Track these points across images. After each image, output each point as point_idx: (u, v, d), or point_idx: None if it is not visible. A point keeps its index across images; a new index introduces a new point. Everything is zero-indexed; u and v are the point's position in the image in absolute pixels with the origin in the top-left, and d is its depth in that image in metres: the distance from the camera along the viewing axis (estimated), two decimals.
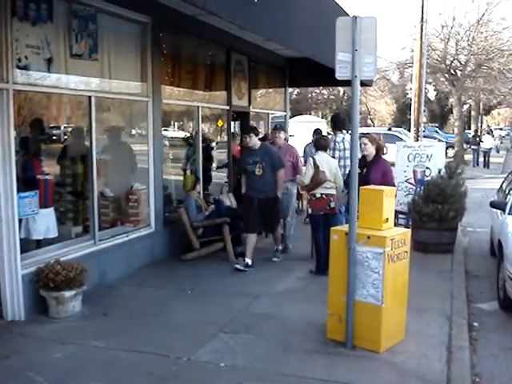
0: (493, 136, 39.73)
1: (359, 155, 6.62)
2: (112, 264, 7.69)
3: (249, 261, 8.45)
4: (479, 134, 35.19)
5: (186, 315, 6.51)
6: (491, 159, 31.23)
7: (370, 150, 7.79)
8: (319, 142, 8.50)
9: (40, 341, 5.74)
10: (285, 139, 10.35)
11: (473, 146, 32.83)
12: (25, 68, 6.36)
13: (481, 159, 31.43)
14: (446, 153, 26.64)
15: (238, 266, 8.37)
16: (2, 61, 5.99)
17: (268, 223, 8.97)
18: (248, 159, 8.77)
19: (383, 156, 8.09)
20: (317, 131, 12.47)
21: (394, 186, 7.50)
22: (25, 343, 5.70)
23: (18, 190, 6.27)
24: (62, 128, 8.13)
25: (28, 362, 5.24)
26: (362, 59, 5.33)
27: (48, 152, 7.52)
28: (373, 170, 7.57)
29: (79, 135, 7.97)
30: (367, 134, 9.08)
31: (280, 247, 9.21)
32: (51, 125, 7.94)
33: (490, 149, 32.07)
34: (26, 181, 6.74)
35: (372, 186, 6.12)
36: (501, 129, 65.00)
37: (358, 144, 5.65)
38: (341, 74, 5.43)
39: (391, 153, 13.02)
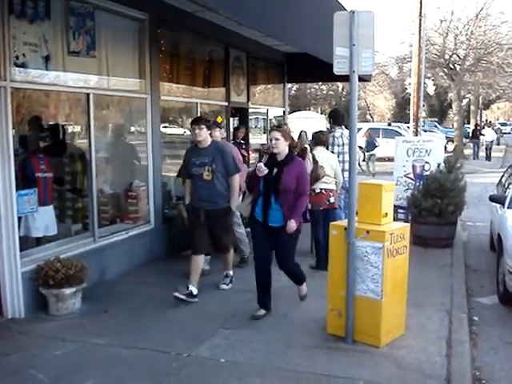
0: (493, 129, 39.97)
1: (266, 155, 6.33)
2: (112, 261, 7.70)
3: (193, 289, 6.78)
4: (479, 127, 35.41)
5: (186, 311, 6.51)
6: (492, 153, 31.66)
7: (282, 147, 6.06)
8: (318, 138, 8.49)
9: (40, 338, 5.75)
10: (223, 138, 8.90)
11: (473, 139, 33.31)
12: (22, 66, 6.35)
13: (481, 153, 31.89)
14: (445, 147, 26.87)
15: (177, 295, 6.66)
16: None
17: (217, 242, 7.08)
18: (194, 159, 6.97)
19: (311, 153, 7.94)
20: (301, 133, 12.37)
21: (307, 193, 6.14)
22: (25, 341, 5.70)
23: (17, 188, 6.27)
24: (61, 126, 8.11)
25: (29, 360, 5.24)
26: (359, 54, 5.32)
27: (47, 150, 7.50)
28: (285, 172, 5.98)
29: (78, 133, 7.97)
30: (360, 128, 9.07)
31: (231, 272, 7.50)
32: (50, 122, 7.93)
33: (492, 141, 32.61)
34: (25, 179, 6.74)
35: (371, 181, 6.11)
36: (505, 124, 64.26)
37: (356, 139, 5.63)
38: (339, 69, 5.43)
39: (391, 147, 13.06)
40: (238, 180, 7.07)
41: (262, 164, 6.01)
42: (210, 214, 6.88)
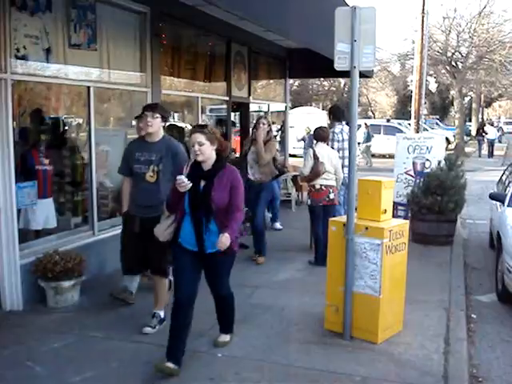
0: (495, 127, 40.46)
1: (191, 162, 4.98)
2: (111, 254, 7.66)
3: (161, 313, 5.85)
4: (483, 125, 35.99)
5: None
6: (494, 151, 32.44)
7: (208, 153, 4.74)
8: (318, 134, 8.47)
9: (38, 331, 5.75)
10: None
11: (478, 137, 34.24)
12: (23, 58, 6.34)
13: (484, 152, 32.74)
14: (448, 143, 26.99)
15: (147, 331, 5.69)
16: (0, 51, 5.98)
17: (151, 260, 5.84)
18: (138, 154, 5.77)
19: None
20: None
21: (241, 209, 4.88)
22: (23, 333, 5.71)
23: (17, 181, 6.27)
24: (61, 118, 8.10)
25: (27, 352, 5.25)
26: (361, 50, 5.31)
27: (47, 142, 7.51)
28: (215, 186, 4.74)
29: (78, 125, 7.96)
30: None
31: (161, 313, 5.87)
32: (50, 115, 7.92)
33: (494, 139, 33.45)
34: (25, 171, 6.74)
35: (370, 177, 6.08)
36: (510, 123, 63.57)
37: (355, 135, 5.62)
38: (339, 64, 5.42)
39: (391, 144, 13.08)
40: None
41: (182, 176, 4.67)
42: (147, 223, 5.53)
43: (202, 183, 4.80)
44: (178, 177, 4.67)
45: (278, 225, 10.88)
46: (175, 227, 4.95)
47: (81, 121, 7.88)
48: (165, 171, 5.63)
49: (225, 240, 4.67)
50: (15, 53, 6.20)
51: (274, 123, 11.86)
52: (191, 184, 4.66)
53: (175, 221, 4.96)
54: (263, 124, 8.42)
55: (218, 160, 4.87)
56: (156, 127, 5.66)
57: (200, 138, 4.73)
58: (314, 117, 26.48)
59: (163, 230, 5.09)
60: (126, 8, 8.10)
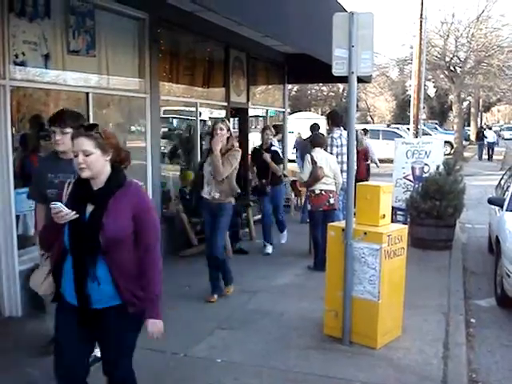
0: (495, 131, 41.29)
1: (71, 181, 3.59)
2: None
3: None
4: (483, 129, 36.92)
5: (183, 311, 6.51)
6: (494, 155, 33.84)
7: (98, 167, 3.39)
8: (315, 140, 8.51)
9: (37, 337, 5.74)
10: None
11: (478, 142, 35.50)
12: (22, 64, 6.35)
13: (484, 156, 33.91)
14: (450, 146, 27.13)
15: None
16: None
17: None
18: (51, 176, 4.72)
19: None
20: (314, 126, 12.51)
21: (156, 247, 3.52)
22: (22, 339, 5.70)
23: (16, 187, 6.27)
24: None
25: (26, 358, 5.24)
26: (358, 55, 5.32)
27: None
28: (109, 211, 3.34)
29: None
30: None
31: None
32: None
33: (494, 143, 34.79)
34: (24, 177, 6.72)
35: (369, 182, 6.09)
36: (511, 128, 63.14)
37: (354, 140, 5.63)
38: (337, 70, 5.43)
39: (390, 149, 13.14)
40: None
41: (59, 204, 3.27)
42: None
43: (90, 208, 3.34)
44: (53, 205, 3.24)
45: (270, 249, 9.45)
46: (54, 276, 3.50)
47: None
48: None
49: (154, 328, 3.52)
50: (14, 59, 6.21)
51: (277, 133, 11.42)
52: (75, 214, 3.26)
53: (52, 267, 3.51)
54: (221, 130, 6.77)
55: (115, 175, 3.41)
56: (69, 143, 3.78)
57: (86, 144, 3.31)
58: (312, 122, 26.47)
59: (40, 282, 3.74)
60: (125, 14, 8.12)
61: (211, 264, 6.97)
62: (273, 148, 9.55)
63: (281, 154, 10.02)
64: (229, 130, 6.90)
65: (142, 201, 3.46)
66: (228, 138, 6.83)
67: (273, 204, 9.66)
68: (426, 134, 31.13)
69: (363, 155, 12.76)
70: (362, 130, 14.73)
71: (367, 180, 11.73)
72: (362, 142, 12.68)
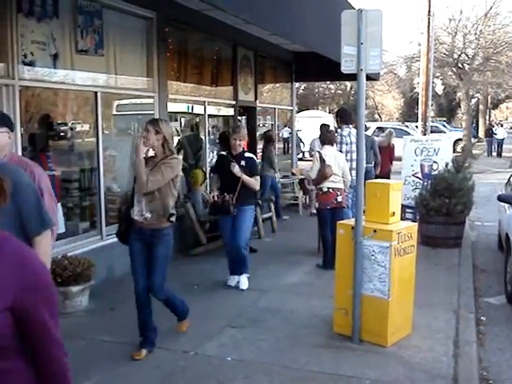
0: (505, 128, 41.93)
1: None
2: (119, 259, 7.65)
3: None
4: (492, 126, 37.40)
5: (192, 310, 6.49)
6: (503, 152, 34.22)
7: None
8: (325, 137, 8.48)
9: None
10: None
11: (487, 138, 36.41)
12: (30, 64, 6.38)
13: (493, 153, 34.54)
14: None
15: None
16: (7, 57, 6.02)
17: None
18: None
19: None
20: (323, 127, 12.47)
21: (60, 357, 2.00)
22: None
23: None
24: (69, 124, 8.13)
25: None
26: (367, 53, 5.31)
27: (55, 148, 7.54)
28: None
29: (86, 131, 7.99)
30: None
31: None
32: (58, 121, 7.95)
33: (503, 139, 34.98)
34: None
35: (378, 180, 6.07)
36: None
37: (363, 138, 5.61)
38: (346, 67, 5.41)
39: (399, 147, 13.16)
40: (49, 243, 3.75)
41: None
42: None
43: None
44: None
45: (241, 282, 7.42)
46: None
47: (88, 126, 7.90)
48: (7, 213, 3.08)
49: None
50: (23, 59, 6.24)
51: (269, 141, 11.40)
52: None
53: None
54: (147, 131, 5.18)
55: None
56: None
57: None
58: (320, 120, 26.41)
59: None
60: (133, 13, 8.14)
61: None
62: (246, 155, 7.30)
63: (257, 164, 7.92)
64: (157, 132, 5.15)
65: (32, 275, 1.88)
66: (163, 143, 5.21)
67: (235, 229, 7.23)
68: (440, 132, 31.13)
69: (389, 152, 12.80)
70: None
71: (389, 177, 11.76)
72: (388, 139, 13.08)
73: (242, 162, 7.17)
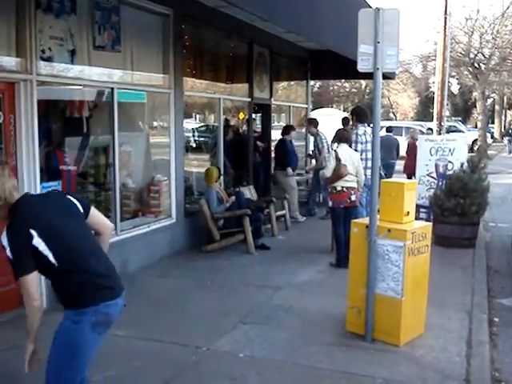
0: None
1: None
2: (133, 254, 7.76)
3: None
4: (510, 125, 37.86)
5: (205, 306, 6.55)
6: None
7: None
8: (341, 135, 8.47)
9: None
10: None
11: (508, 137, 36.64)
12: (48, 59, 6.43)
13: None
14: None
15: None
16: (26, 52, 6.07)
17: None
18: None
19: None
20: (345, 120, 12.52)
21: None
22: (47, 332, 5.75)
23: (41, 180, 6.34)
24: (85, 119, 8.18)
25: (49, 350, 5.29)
26: (384, 51, 5.30)
27: (71, 143, 7.59)
28: None
29: (102, 126, 8.03)
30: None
31: None
32: (74, 116, 8.00)
33: None
34: (50, 171, 6.81)
35: (393, 179, 6.06)
36: None
37: (379, 137, 5.60)
38: (363, 66, 5.41)
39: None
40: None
41: None
42: None
43: None
44: None
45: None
46: None
47: (105, 122, 7.94)
48: None
49: None
50: (41, 54, 6.29)
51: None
52: None
53: None
54: None
55: None
56: None
57: None
58: (334, 118, 26.38)
59: None
60: (149, 10, 8.17)
61: None
62: None
63: None
64: None
65: None
66: None
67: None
68: (459, 131, 31.02)
69: (413, 150, 12.81)
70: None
71: (414, 175, 11.74)
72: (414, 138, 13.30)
73: None
